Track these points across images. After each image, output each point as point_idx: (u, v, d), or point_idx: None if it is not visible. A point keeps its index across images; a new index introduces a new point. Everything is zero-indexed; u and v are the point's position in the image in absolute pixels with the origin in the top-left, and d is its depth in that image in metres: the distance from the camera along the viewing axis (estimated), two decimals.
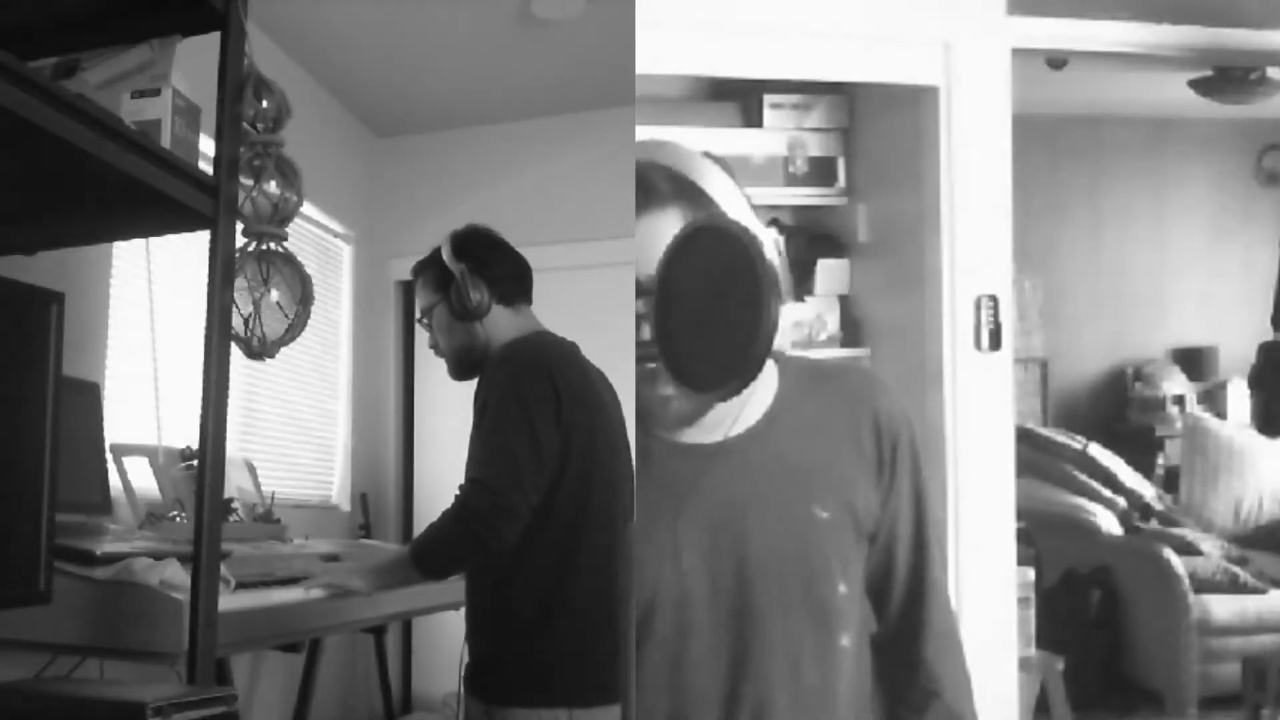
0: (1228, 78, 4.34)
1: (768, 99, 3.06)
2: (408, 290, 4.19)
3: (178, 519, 2.30)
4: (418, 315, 2.25)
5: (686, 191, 1.19)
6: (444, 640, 3.77)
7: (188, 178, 1.71)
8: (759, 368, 1.09)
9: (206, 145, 1.79)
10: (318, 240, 3.93)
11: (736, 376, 1.10)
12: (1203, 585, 3.88)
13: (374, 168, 4.33)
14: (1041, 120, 5.04)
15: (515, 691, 1.97)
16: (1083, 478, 4.36)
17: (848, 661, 1.24)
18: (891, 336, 3.00)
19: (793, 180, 3.08)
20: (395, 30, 3.51)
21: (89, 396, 2.25)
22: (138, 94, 1.71)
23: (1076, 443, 4.53)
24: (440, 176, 4.27)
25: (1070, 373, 5.65)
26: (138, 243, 2.57)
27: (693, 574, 1.19)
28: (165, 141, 1.67)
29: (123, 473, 2.34)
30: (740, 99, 3.12)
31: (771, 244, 1.17)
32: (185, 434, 2.41)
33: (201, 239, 1.80)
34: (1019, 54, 2.77)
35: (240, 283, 2.17)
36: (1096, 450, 4.52)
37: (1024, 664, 2.81)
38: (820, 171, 3.09)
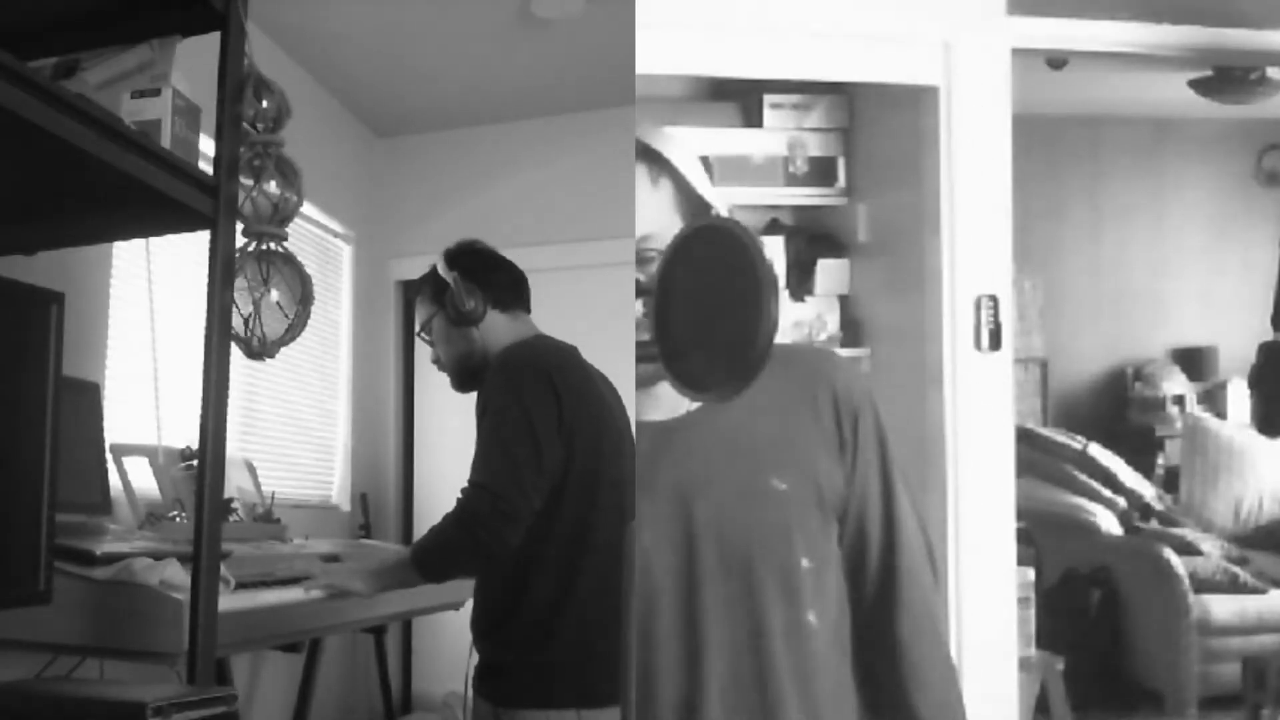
0: (1228, 78, 4.34)
1: (768, 99, 3.06)
2: (408, 290, 4.19)
3: (177, 519, 2.30)
4: (417, 329, 2.27)
5: (648, 155, 1.24)
6: (444, 640, 3.77)
7: (188, 178, 1.71)
8: (759, 367, 1.09)
9: (206, 145, 1.79)
10: (318, 240, 3.93)
11: (736, 376, 1.10)
12: (1203, 585, 3.88)
13: (374, 168, 4.33)
14: (1041, 120, 5.04)
15: (524, 694, 1.97)
16: (1083, 478, 4.36)
17: (817, 641, 1.22)
18: (891, 337, 3.00)
19: (793, 180, 3.07)
20: (395, 30, 3.51)
21: (89, 396, 2.25)
22: (138, 94, 1.71)
23: (1076, 443, 4.53)
24: (440, 176, 4.27)
25: (1070, 373, 5.65)
26: (138, 243, 2.57)
27: (654, 550, 1.20)
28: (165, 141, 1.67)
29: (122, 473, 2.34)
30: (740, 99, 3.12)
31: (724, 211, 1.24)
32: (185, 434, 2.41)
33: (201, 239, 1.80)
34: (1019, 54, 2.77)
35: (240, 283, 2.18)
36: (1096, 450, 4.52)
37: (1024, 664, 2.80)
38: (820, 171, 3.09)
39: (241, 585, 1.96)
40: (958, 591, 2.65)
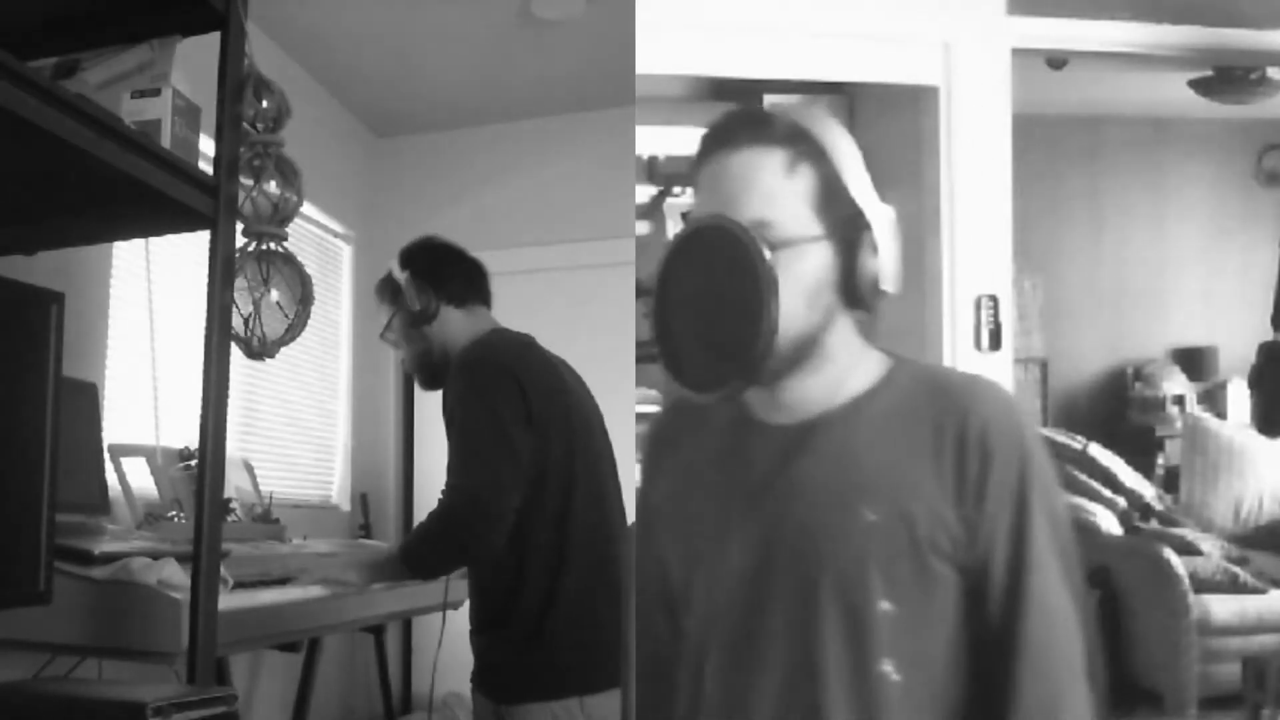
0: (1228, 78, 4.34)
1: (768, 99, 3.06)
2: None
3: (176, 519, 2.30)
4: (380, 332, 2.26)
5: (795, 138, 1.16)
6: (444, 640, 3.77)
7: (188, 178, 1.71)
8: (759, 367, 1.09)
9: (206, 145, 1.79)
10: (318, 240, 3.93)
11: (737, 376, 1.10)
12: (1203, 585, 3.88)
13: (374, 168, 4.33)
14: (1041, 120, 5.04)
15: (525, 688, 1.98)
16: (1083, 478, 4.36)
17: (892, 694, 1.06)
18: (891, 337, 2.99)
19: None
20: (395, 30, 3.51)
21: (88, 397, 2.24)
22: (138, 94, 1.71)
23: (1076, 443, 4.52)
24: (440, 176, 4.27)
25: (1070, 373, 5.65)
26: (138, 243, 2.56)
27: (731, 556, 1.13)
28: (165, 141, 1.67)
29: (121, 473, 2.34)
30: (740, 99, 3.12)
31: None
32: (184, 434, 2.41)
33: (201, 239, 1.80)
34: (1019, 54, 2.77)
35: (240, 283, 2.18)
36: (1096, 450, 4.51)
37: None
38: None
39: (240, 585, 1.96)
40: None
